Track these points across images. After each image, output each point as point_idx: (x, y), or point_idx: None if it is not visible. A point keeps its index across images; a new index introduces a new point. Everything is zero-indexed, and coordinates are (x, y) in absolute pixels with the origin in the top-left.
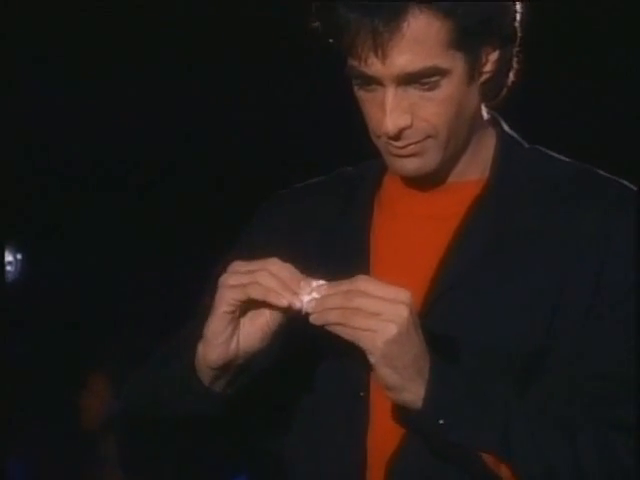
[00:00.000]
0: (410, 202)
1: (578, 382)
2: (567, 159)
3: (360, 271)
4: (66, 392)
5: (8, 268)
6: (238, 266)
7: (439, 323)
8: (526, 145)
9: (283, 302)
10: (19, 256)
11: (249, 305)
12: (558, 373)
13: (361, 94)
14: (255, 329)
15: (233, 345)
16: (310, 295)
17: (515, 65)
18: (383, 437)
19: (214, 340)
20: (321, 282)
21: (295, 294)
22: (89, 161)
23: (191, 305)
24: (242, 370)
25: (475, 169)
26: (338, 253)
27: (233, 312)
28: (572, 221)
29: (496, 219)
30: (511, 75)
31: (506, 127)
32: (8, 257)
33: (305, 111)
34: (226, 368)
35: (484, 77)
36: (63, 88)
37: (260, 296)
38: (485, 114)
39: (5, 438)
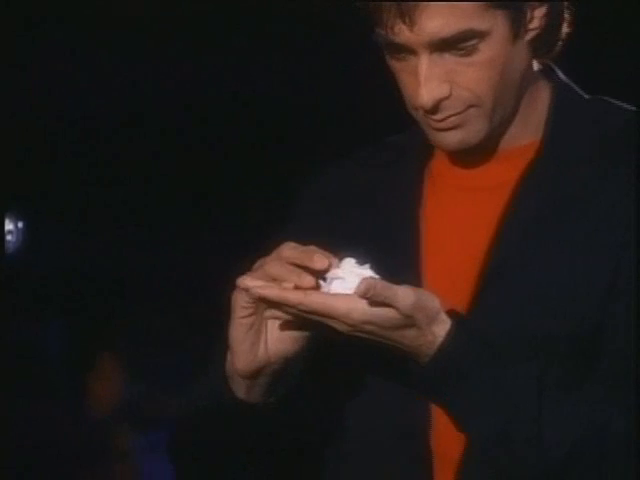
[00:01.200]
0: (459, 173)
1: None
2: (637, 109)
3: (409, 248)
4: (71, 370)
5: (8, 237)
6: (256, 264)
7: (493, 301)
8: (586, 96)
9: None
10: (20, 224)
11: (271, 303)
12: (612, 354)
13: (393, 63)
14: (287, 330)
15: (261, 351)
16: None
17: (568, 16)
18: (446, 440)
19: (238, 348)
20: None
21: (311, 277)
22: (92, 125)
23: (206, 281)
24: (280, 376)
25: (528, 132)
26: (386, 228)
27: (250, 316)
28: (620, 189)
29: (550, 185)
30: (564, 27)
31: (563, 77)
32: (8, 226)
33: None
34: (258, 376)
35: (531, 34)
36: (64, 57)
37: (272, 293)
38: (537, 66)
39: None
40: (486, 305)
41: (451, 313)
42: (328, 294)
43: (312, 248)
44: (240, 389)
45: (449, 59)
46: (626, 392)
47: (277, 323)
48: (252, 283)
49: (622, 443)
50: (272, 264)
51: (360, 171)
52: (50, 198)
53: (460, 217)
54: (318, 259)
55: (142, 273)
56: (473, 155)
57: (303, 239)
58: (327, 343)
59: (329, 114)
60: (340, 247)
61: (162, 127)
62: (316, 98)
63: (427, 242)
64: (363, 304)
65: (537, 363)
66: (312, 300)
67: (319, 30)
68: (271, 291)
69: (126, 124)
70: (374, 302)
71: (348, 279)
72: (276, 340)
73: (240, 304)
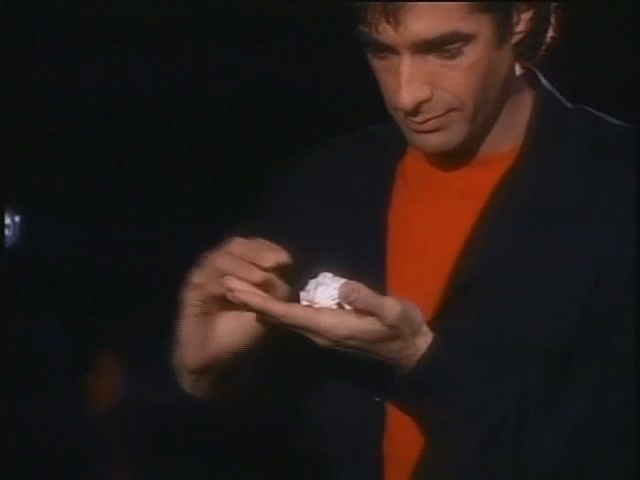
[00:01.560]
0: (435, 177)
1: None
2: (618, 122)
3: (375, 257)
4: (69, 368)
5: (5, 232)
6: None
7: (463, 315)
8: (568, 105)
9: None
10: (17, 219)
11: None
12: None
13: (375, 62)
14: (239, 325)
15: (210, 347)
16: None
17: (554, 20)
18: (401, 444)
19: (187, 344)
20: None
21: (261, 272)
22: (92, 118)
23: None
24: (228, 372)
25: (509, 138)
26: (354, 226)
27: (201, 313)
28: (618, 196)
29: (529, 195)
30: (550, 31)
31: (545, 84)
32: (6, 220)
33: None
34: (206, 371)
35: (517, 38)
36: (64, 51)
37: (219, 289)
38: (519, 70)
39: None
40: (451, 317)
41: (434, 324)
42: (311, 308)
43: (261, 243)
44: (187, 383)
45: (432, 61)
46: (619, 404)
47: (228, 318)
48: (237, 286)
49: (611, 458)
50: (221, 259)
51: (334, 163)
52: (49, 191)
53: (433, 221)
54: (267, 258)
55: (143, 271)
56: (451, 159)
57: (271, 235)
58: (287, 341)
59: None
60: (310, 245)
61: (163, 122)
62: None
63: (396, 246)
64: (347, 318)
65: (519, 374)
66: (295, 314)
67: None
68: (254, 300)
69: (128, 118)
70: (359, 314)
71: (331, 286)
72: (226, 335)
73: (192, 301)
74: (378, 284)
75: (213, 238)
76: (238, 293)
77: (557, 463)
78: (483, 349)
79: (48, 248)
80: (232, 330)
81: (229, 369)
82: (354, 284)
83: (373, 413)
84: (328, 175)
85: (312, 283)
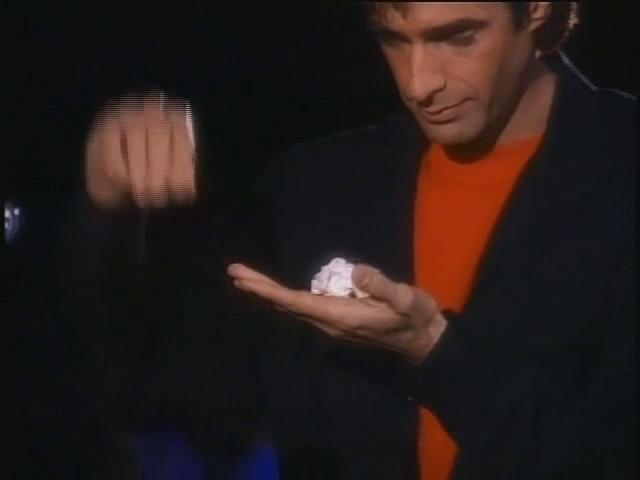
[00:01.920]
0: (456, 167)
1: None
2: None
3: (402, 243)
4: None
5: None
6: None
7: (487, 304)
8: (594, 89)
9: None
10: (16, 212)
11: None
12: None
13: (387, 50)
14: None
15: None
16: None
17: (577, 5)
18: (436, 447)
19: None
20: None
21: None
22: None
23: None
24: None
25: (530, 126)
26: (377, 221)
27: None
28: (631, 186)
29: (551, 184)
30: (572, 17)
31: (569, 67)
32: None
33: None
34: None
35: (535, 24)
36: (64, 43)
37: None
38: (539, 52)
39: None
40: (480, 308)
41: (447, 314)
42: (321, 297)
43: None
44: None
45: (445, 49)
46: (624, 403)
47: None
48: (245, 274)
49: (619, 456)
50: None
51: (348, 154)
52: (49, 184)
53: (456, 214)
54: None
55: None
56: (471, 149)
57: (270, 235)
58: (310, 340)
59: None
60: (318, 244)
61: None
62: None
63: (421, 238)
64: (358, 307)
65: (534, 369)
66: (304, 302)
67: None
68: (262, 287)
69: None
70: (370, 303)
71: (345, 276)
72: None
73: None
74: (405, 278)
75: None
76: (246, 281)
77: (571, 459)
78: (501, 341)
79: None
80: None
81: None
82: (367, 268)
83: (407, 412)
84: (350, 164)
85: (325, 271)
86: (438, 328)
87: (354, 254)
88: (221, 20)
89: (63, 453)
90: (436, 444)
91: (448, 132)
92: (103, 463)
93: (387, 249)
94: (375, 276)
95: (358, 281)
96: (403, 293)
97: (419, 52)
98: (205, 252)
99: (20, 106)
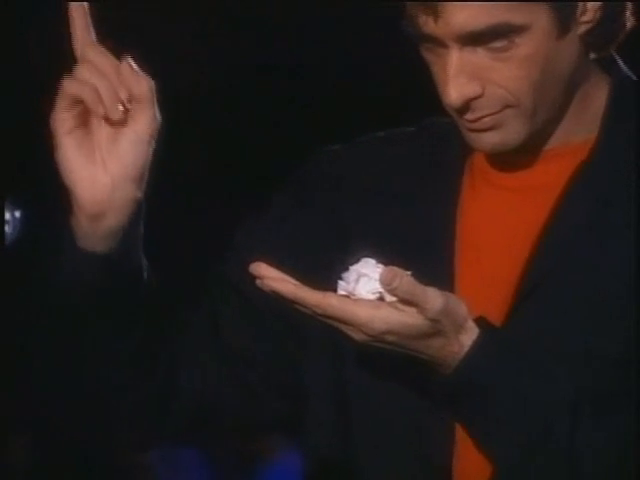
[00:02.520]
0: (502, 171)
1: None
2: None
3: (442, 249)
4: None
5: (5, 229)
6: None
7: (531, 314)
8: None
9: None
10: (17, 214)
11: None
12: None
13: (425, 54)
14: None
15: (100, 174)
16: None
17: (631, 8)
18: (471, 465)
19: (73, 176)
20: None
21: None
22: None
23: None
24: (129, 223)
25: (582, 128)
26: (416, 225)
27: (77, 127)
28: None
29: (603, 188)
30: (626, 19)
31: (624, 69)
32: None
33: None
34: (104, 214)
35: (584, 28)
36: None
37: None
38: (593, 54)
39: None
40: (523, 318)
41: (480, 321)
42: (348, 299)
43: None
44: (81, 237)
45: (483, 54)
46: None
47: (114, 138)
48: (267, 273)
49: None
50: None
51: (387, 156)
52: (51, 184)
53: (500, 219)
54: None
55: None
56: (517, 152)
57: (300, 236)
58: (339, 351)
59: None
60: (355, 246)
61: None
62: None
63: (462, 244)
64: (386, 311)
65: (574, 382)
66: (331, 304)
67: None
68: (286, 287)
69: None
70: (399, 307)
71: (374, 278)
72: (116, 160)
73: (61, 118)
74: (445, 284)
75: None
76: (267, 280)
77: (607, 471)
78: (540, 351)
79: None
80: (121, 154)
81: (128, 221)
82: (396, 270)
83: (440, 428)
84: (390, 167)
85: (353, 272)
86: (470, 335)
87: (392, 258)
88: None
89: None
90: (470, 458)
91: (488, 140)
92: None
93: (427, 254)
94: (405, 278)
95: (387, 283)
96: (433, 297)
97: (455, 57)
98: (236, 254)
99: (20, 107)
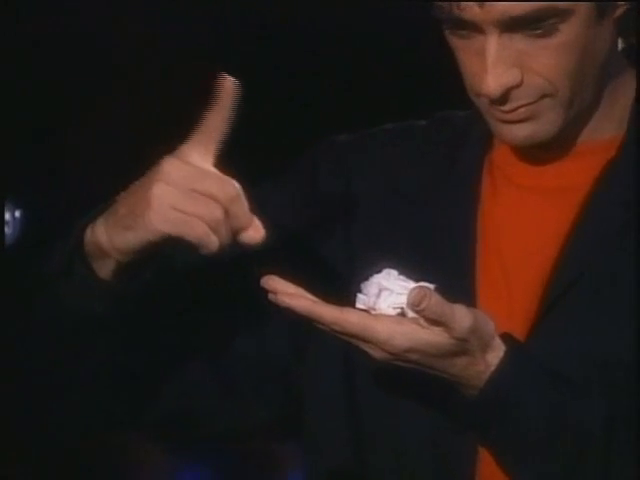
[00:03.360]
0: (525, 170)
1: None
2: None
3: (462, 254)
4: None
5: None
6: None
7: (557, 325)
8: None
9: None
10: (17, 214)
11: None
12: None
13: (454, 40)
14: None
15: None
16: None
17: None
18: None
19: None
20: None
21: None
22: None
23: None
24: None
25: (611, 125)
26: (434, 227)
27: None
28: None
29: (634, 189)
30: None
31: None
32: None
33: None
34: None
35: (620, 11)
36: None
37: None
38: (622, 45)
39: None
40: (549, 330)
41: (506, 338)
42: (368, 315)
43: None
44: (103, 269)
45: (521, 40)
46: None
47: None
48: (281, 288)
49: None
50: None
51: (399, 151)
52: (51, 184)
53: (524, 222)
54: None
55: None
56: (543, 150)
57: (306, 229)
58: (351, 362)
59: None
60: (366, 249)
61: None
62: None
63: (483, 249)
64: (409, 328)
65: (606, 397)
66: (349, 320)
67: None
68: (301, 303)
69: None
70: (422, 323)
71: (397, 291)
72: None
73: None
74: (465, 293)
75: None
76: (282, 296)
77: None
78: (568, 364)
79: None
80: None
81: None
82: (425, 289)
83: (463, 451)
84: (403, 163)
85: (374, 285)
86: (496, 354)
87: (408, 262)
88: None
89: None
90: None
91: (521, 132)
92: None
93: (445, 260)
94: (433, 298)
95: (415, 304)
96: (461, 316)
97: (494, 44)
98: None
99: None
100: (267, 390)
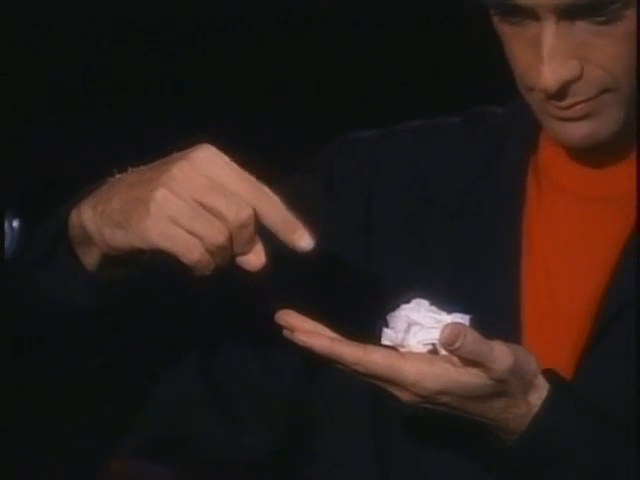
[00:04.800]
0: (575, 175)
1: None
2: None
3: (506, 267)
4: None
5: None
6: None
7: (612, 349)
8: None
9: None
10: (15, 224)
11: None
12: None
13: (504, 28)
14: None
15: None
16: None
17: None
18: None
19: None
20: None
21: None
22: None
23: None
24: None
25: None
26: (473, 242)
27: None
28: None
29: None
30: None
31: None
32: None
33: None
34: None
35: None
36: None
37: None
38: None
39: None
40: (602, 356)
41: (550, 375)
42: (394, 353)
43: None
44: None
45: (582, 28)
46: None
47: None
48: (299, 324)
49: None
50: None
51: (431, 151)
52: (52, 192)
53: (574, 235)
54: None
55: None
56: (596, 153)
57: (325, 230)
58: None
59: None
60: (383, 261)
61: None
62: None
63: (529, 264)
64: (440, 368)
65: None
66: (374, 360)
67: None
68: (320, 342)
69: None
70: (455, 361)
71: (427, 326)
72: None
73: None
74: (511, 323)
75: None
76: (299, 334)
77: None
78: (617, 400)
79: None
80: None
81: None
82: (459, 326)
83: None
84: (435, 164)
85: (402, 318)
86: (539, 394)
87: (440, 283)
88: None
89: None
90: None
91: (578, 131)
92: None
93: (486, 278)
94: (469, 336)
95: (448, 344)
96: (500, 355)
97: (551, 32)
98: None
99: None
100: (267, 418)
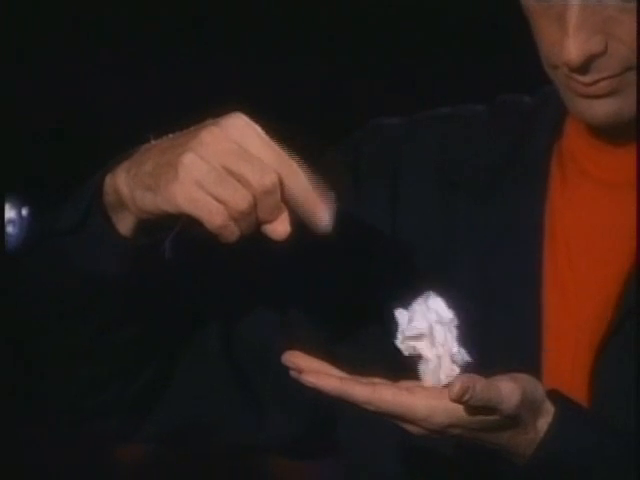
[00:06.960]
0: (599, 161)
1: None
2: None
3: (529, 260)
4: None
5: (9, 229)
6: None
7: (635, 336)
8: None
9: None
10: (24, 212)
11: None
12: None
13: (530, 4)
14: None
15: None
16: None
17: None
18: None
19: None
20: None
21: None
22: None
23: None
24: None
25: None
26: (494, 225)
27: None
28: None
29: None
30: None
31: None
32: (9, 214)
33: None
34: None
35: None
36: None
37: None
38: None
39: None
40: (625, 341)
41: (555, 397)
42: (404, 391)
43: None
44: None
45: (607, 4)
46: None
47: None
48: (305, 364)
49: None
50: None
51: (457, 138)
52: (62, 178)
53: (597, 220)
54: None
55: None
56: (620, 134)
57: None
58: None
59: None
60: (410, 245)
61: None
62: None
63: (552, 255)
64: (450, 403)
65: None
66: (383, 399)
67: None
68: (328, 382)
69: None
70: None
71: (445, 360)
72: None
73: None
74: (532, 307)
75: None
76: (307, 375)
77: None
78: (630, 407)
79: None
80: None
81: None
82: (467, 380)
83: None
84: (461, 153)
85: (414, 330)
86: (546, 419)
87: (465, 266)
88: None
89: None
90: None
91: (602, 109)
92: None
93: (509, 264)
94: (477, 386)
95: (457, 400)
96: (508, 395)
97: (577, 7)
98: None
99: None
100: (292, 405)
